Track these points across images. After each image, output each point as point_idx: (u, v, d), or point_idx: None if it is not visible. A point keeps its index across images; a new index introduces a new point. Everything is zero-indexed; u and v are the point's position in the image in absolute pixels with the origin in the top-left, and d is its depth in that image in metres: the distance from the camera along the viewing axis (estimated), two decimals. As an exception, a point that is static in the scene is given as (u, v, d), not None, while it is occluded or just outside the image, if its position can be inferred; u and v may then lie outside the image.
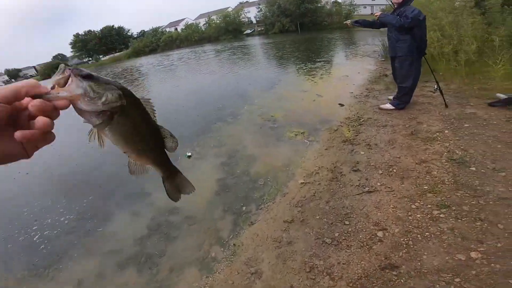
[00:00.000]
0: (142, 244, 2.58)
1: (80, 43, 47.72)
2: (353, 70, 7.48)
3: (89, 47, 47.80)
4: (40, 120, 0.34)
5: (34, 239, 2.94)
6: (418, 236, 1.98)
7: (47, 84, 0.41)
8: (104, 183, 3.96)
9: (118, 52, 45.77)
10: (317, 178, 2.95)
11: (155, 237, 2.64)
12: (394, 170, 2.79)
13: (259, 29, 32.29)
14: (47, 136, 0.37)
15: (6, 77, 57.30)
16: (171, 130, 0.58)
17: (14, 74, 58.25)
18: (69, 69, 0.39)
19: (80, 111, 0.39)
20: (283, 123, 4.67)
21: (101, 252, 2.58)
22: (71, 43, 49.17)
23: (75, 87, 0.38)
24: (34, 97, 0.36)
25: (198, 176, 3.50)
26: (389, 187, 2.56)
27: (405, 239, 1.98)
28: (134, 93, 0.44)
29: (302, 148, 3.69)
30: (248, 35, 30.25)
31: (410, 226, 2.08)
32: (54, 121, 0.37)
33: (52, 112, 0.36)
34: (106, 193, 3.65)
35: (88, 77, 0.39)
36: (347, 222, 2.29)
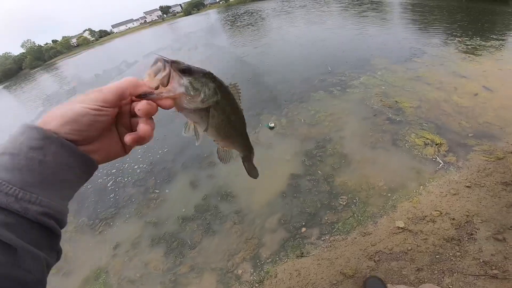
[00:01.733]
0: (182, 226, 3.02)
1: (214, -16, 58.41)
2: None
3: (220, -13, 58.17)
4: (143, 129, 0.43)
5: (108, 185, 3.94)
6: None
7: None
8: (182, 137, 4.64)
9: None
10: (426, 228, 2.28)
11: (196, 223, 2.98)
12: None
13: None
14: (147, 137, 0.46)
15: (159, 13, 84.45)
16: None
17: (165, 10, 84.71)
18: (168, 63, 0.44)
19: (179, 108, 0.47)
20: (410, 117, 3.71)
21: (146, 220, 3.25)
22: (206, -17, 60.25)
23: (177, 85, 0.45)
24: (140, 96, 0.44)
25: (271, 160, 3.56)
26: None
27: None
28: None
29: (427, 169, 2.89)
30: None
31: None
32: None
33: (155, 112, 0.45)
34: (181, 147, 4.37)
35: (186, 71, 0.46)
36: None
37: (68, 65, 32.20)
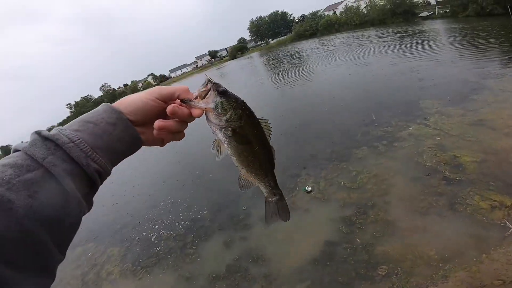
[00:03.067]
0: (212, 283, 3.17)
1: (255, 28, 69.31)
2: None
3: (261, 31, 68.63)
4: (168, 123, 0.56)
5: (152, 238, 4.47)
6: None
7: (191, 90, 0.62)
8: (221, 195, 5.01)
9: (283, 36, 61.49)
10: None
11: (226, 282, 3.17)
12: None
13: (441, 11, 28.54)
14: (176, 135, 0.60)
15: (208, 57, 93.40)
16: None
17: (213, 55, 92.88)
18: (210, 82, 0.58)
19: (208, 122, 0.59)
20: (473, 175, 3.42)
21: (181, 273, 3.48)
22: (248, 29, 71.94)
23: (210, 100, 0.57)
24: (182, 100, 0.57)
25: (306, 226, 3.55)
26: None
27: None
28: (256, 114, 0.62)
29: (493, 235, 2.62)
30: (424, 18, 29.03)
31: None
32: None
33: (188, 117, 0.57)
34: (218, 207, 4.69)
35: (222, 93, 0.57)
36: None
37: None
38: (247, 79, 20.26)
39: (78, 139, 0.47)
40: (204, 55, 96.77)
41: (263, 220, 4.07)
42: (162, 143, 0.60)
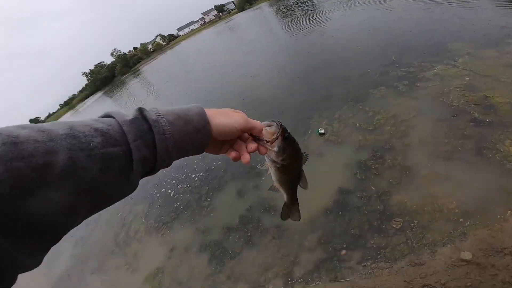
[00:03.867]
0: (227, 235, 3.30)
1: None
2: None
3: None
4: (246, 158, 0.66)
5: (171, 194, 4.62)
6: None
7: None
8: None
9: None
10: (501, 262, 2.02)
11: (239, 234, 3.24)
12: None
13: None
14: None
15: (215, 12, 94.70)
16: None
17: (220, 9, 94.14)
18: (279, 128, 0.70)
19: (267, 154, 0.72)
20: (506, 117, 3.08)
21: (198, 226, 3.64)
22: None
23: (276, 144, 0.70)
24: (254, 137, 0.68)
25: (318, 171, 3.47)
26: None
27: None
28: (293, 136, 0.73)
29: None
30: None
31: None
32: None
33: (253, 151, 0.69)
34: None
35: (287, 139, 0.71)
36: None
37: (148, 70, 37.92)
38: (258, 30, 19.23)
39: (169, 134, 0.51)
40: (211, 10, 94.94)
41: None
42: (217, 153, 0.70)
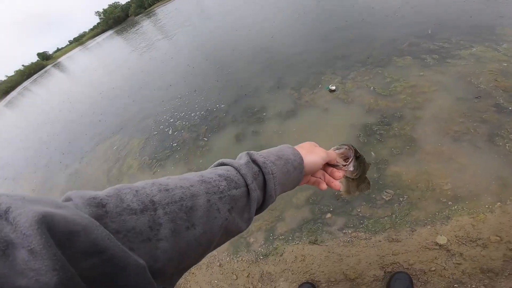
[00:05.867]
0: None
1: None
2: None
3: None
4: (337, 186, 0.81)
5: (168, 131, 4.67)
6: None
7: None
8: (240, 88, 5.06)
9: None
10: (470, 252, 2.07)
11: None
12: None
13: None
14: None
15: None
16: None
17: None
18: (352, 151, 0.85)
19: (342, 170, 0.84)
20: None
21: (190, 167, 3.78)
22: None
23: (351, 165, 0.84)
24: (331, 164, 0.82)
25: (321, 127, 3.50)
26: None
27: None
28: None
29: None
30: None
31: None
32: None
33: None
34: (235, 98, 4.79)
35: (358, 157, 0.87)
36: None
37: (163, 12, 35.81)
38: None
39: (275, 173, 0.60)
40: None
41: (279, 116, 4.08)
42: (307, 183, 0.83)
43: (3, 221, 0.28)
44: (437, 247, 2.08)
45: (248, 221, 0.58)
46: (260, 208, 0.62)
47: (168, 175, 3.12)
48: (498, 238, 2.00)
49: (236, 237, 2.75)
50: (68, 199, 0.39)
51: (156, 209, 0.42)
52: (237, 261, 2.54)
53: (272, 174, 0.59)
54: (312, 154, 0.72)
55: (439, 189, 2.47)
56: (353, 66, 4.39)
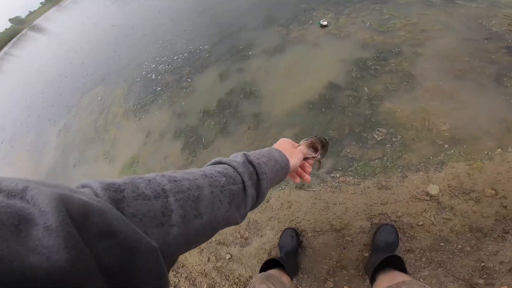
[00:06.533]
0: (202, 121, 3.21)
1: None
2: None
3: None
4: (307, 179, 0.93)
5: (151, 76, 4.38)
6: None
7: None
8: (223, 28, 4.63)
9: None
10: (461, 207, 1.91)
11: (214, 120, 3.15)
12: None
13: None
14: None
15: None
16: None
17: None
18: (318, 142, 0.95)
19: (312, 158, 0.95)
20: None
21: (175, 110, 3.51)
22: None
23: (319, 154, 0.94)
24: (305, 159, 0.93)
25: (310, 62, 3.21)
26: None
27: None
28: None
29: None
30: None
31: None
32: None
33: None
34: (219, 38, 4.24)
35: (324, 146, 1.00)
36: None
37: None
38: None
39: (267, 173, 0.66)
40: None
41: (266, 53, 3.72)
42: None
43: (18, 199, 0.28)
44: (428, 198, 1.95)
45: (244, 216, 0.62)
46: (254, 205, 0.66)
47: (152, 120, 2.83)
48: (493, 191, 1.87)
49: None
50: (84, 186, 0.41)
51: (167, 196, 0.46)
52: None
53: (265, 174, 0.66)
54: (293, 157, 0.81)
55: (435, 129, 2.27)
56: (348, 1, 3.84)
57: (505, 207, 1.80)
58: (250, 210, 0.64)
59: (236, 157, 0.67)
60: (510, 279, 1.65)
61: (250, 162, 0.65)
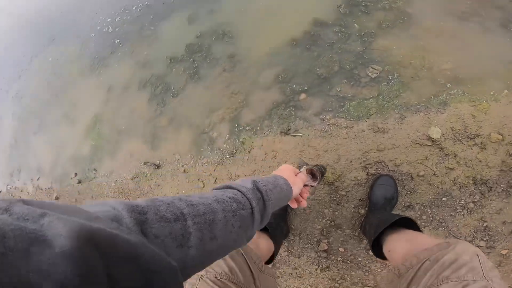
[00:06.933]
0: (169, 68, 2.76)
1: None
2: None
3: None
4: (303, 204, 0.99)
5: (108, 30, 3.67)
6: None
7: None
8: None
9: None
10: (464, 154, 1.73)
11: (183, 66, 2.72)
12: None
13: None
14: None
15: None
16: None
17: None
18: (318, 172, 1.07)
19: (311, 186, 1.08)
20: None
21: (138, 60, 3.05)
22: None
23: (317, 181, 1.06)
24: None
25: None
26: None
27: None
28: None
29: None
30: None
31: None
32: None
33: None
34: None
35: (321, 173, 1.10)
36: None
37: None
38: None
39: (272, 200, 0.71)
40: None
41: None
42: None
43: (30, 222, 0.27)
44: (429, 143, 1.72)
45: (250, 238, 0.65)
46: (257, 227, 0.68)
47: (113, 74, 2.55)
48: (500, 137, 1.67)
49: (197, 134, 2.10)
50: (105, 205, 0.42)
51: (186, 219, 0.49)
52: (202, 164, 2.14)
53: (271, 201, 0.70)
54: (295, 185, 0.88)
55: (437, 67, 2.00)
56: None
57: (511, 155, 1.62)
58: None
59: (246, 183, 0.70)
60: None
61: (258, 189, 0.69)
